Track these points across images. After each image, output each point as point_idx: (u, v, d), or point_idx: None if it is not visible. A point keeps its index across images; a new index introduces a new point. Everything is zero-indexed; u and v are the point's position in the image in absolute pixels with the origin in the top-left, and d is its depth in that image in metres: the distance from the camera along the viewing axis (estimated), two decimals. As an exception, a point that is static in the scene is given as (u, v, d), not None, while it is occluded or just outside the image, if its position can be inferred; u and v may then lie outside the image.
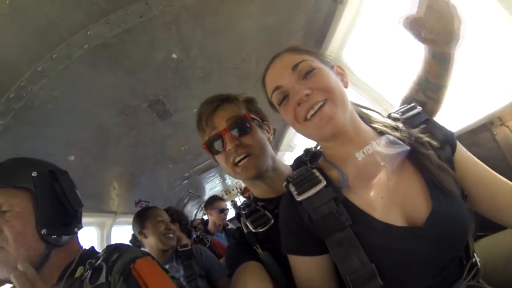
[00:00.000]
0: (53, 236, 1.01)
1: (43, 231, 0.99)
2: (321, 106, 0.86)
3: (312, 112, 0.87)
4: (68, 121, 1.70)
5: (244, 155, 1.16)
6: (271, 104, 1.02)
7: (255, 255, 1.14)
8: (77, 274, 0.99)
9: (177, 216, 2.84)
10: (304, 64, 0.91)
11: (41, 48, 1.30)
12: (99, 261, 0.99)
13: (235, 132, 1.17)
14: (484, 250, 0.99)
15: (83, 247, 1.16)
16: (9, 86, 1.32)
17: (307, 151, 1.30)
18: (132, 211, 2.74)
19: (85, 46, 1.38)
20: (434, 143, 0.91)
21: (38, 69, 1.34)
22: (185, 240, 2.76)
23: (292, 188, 0.92)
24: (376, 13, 1.75)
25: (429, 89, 1.06)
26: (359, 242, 0.81)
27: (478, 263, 0.89)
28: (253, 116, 1.23)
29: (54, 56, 1.33)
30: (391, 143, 0.89)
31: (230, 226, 3.71)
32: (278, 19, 1.79)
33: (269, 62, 1.02)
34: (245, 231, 1.20)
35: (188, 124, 2.49)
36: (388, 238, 0.81)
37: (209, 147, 1.21)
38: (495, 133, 1.38)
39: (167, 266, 2.11)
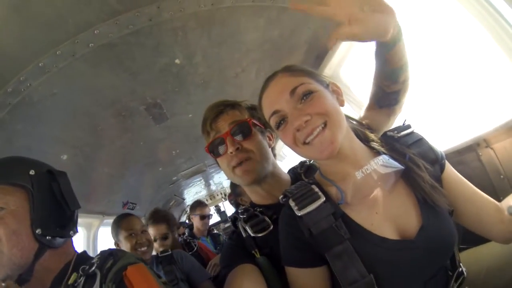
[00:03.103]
0: (47, 237, 0.98)
1: (38, 231, 0.96)
2: (321, 130, 0.88)
3: (311, 137, 0.89)
4: (64, 119, 1.65)
5: (244, 159, 1.17)
6: (268, 125, 1.03)
7: (252, 259, 1.14)
8: (71, 281, 0.95)
9: (174, 219, 2.83)
10: (302, 88, 0.92)
11: (46, 43, 1.26)
12: (93, 268, 0.95)
13: (237, 136, 1.19)
14: (465, 262, 1.03)
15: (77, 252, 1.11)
16: (8, 80, 1.27)
17: (302, 163, 1.34)
18: (119, 212, 2.68)
19: (90, 45, 1.35)
20: (427, 165, 0.95)
21: (40, 64, 1.30)
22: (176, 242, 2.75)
23: (292, 203, 0.94)
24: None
25: (400, 74, 1.06)
26: (357, 255, 0.84)
27: (465, 273, 0.95)
28: (254, 121, 1.25)
29: (57, 53, 1.30)
30: (388, 163, 0.93)
31: (215, 231, 3.65)
32: (282, 32, 1.82)
33: (265, 82, 1.02)
34: (244, 235, 1.20)
35: (182, 129, 2.48)
36: (383, 250, 0.85)
37: (211, 149, 1.23)
38: (480, 154, 1.47)
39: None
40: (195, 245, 2.92)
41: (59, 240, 1.02)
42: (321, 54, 2.06)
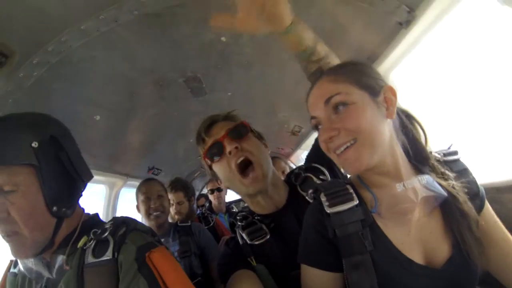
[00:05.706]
0: (63, 210, 0.95)
1: (54, 209, 0.92)
2: (347, 147, 0.83)
3: (338, 152, 0.84)
4: (101, 82, 1.65)
5: (244, 157, 1.16)
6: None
7: (249, 266, 1.13)
8: (80, 244, 0.94)
9: (192, 189, 2.88)
10: (337, 98, 0.86)
11: (89, 7, 1.21)
12: (106, 234, 0.93)
13: (233, 137, 1.17)
14: None
15: (84, 211, 1.10)
16: (49, 39, 1.25)
17: (296, 175, 1.30)
18: (144, 176, 2.75)
19: (135, 12, 1.28)
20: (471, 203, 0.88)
21: (82, 27, 1.25)
22: (193, 216, 2.79)
23: (323, 198, 0.90)
24: (437, 46, 1.60)
25: (310, 55, 1.12)
26: (376, 269, 0.82)
27: None
28: (250, 127, 1.26)
29: (100, 17, 1.25)
30: (431, 186, 0.86)
31: (234, 209, 3.67)
32: (335, 26, 1.65)
33: (313, 80, 0.97)
34: (241, 242, 1.20)
35: (219, 105, 2.42)
36: (406, 273, 0.82)
37: (209, 154, 1.21)
38: None
39: (162, 240, 2.13)
40: (212, 220, 2.95)
41: (73, 207, 1.01)
42: (372, 56, 1.86)
